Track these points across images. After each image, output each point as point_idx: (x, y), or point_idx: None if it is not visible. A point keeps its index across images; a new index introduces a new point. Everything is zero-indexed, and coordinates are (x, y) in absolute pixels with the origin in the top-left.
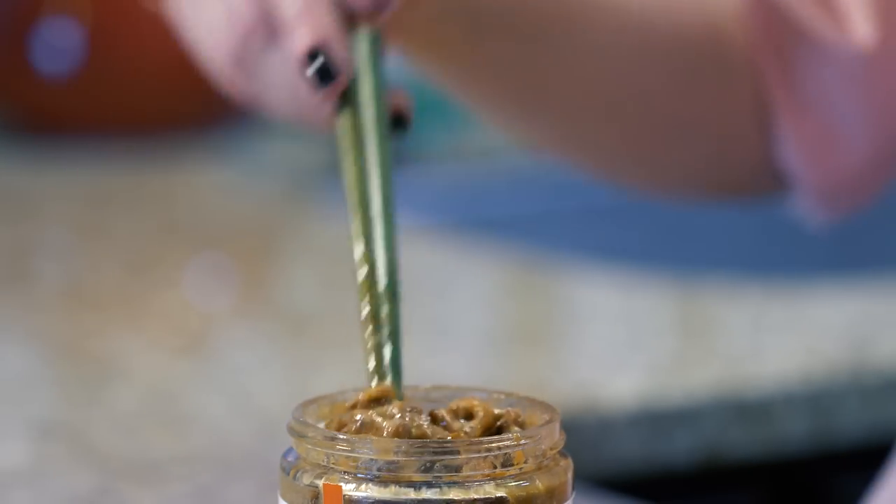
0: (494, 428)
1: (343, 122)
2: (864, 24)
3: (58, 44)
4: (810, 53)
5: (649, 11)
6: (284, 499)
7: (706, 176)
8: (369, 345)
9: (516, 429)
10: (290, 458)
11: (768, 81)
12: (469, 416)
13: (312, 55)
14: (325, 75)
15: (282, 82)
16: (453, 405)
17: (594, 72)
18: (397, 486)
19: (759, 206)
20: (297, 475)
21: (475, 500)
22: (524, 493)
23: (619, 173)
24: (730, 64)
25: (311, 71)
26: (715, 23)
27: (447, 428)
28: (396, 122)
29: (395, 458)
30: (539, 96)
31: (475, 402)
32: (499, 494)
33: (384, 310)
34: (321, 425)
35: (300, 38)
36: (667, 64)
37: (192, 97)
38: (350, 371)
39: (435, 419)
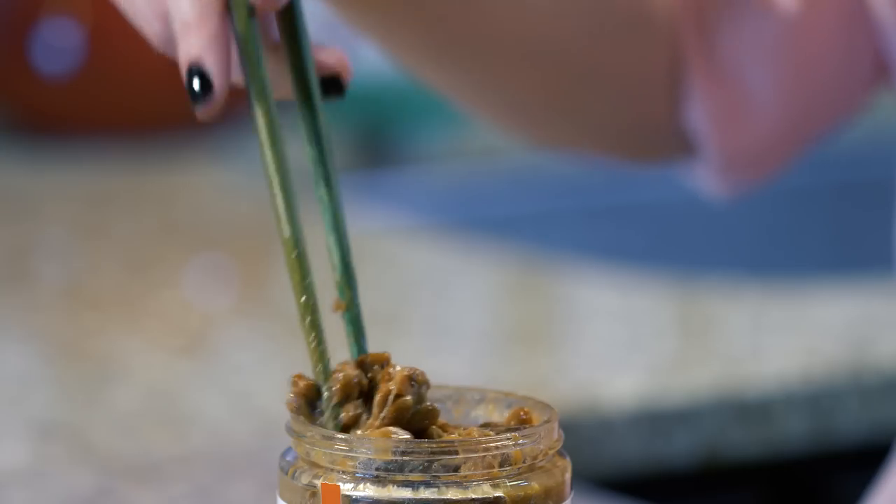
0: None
1: (258, 109)
2: None
3: (58, 44)
4: (731, 18)
5: None
6: (283, 498)
7: (617, 133)
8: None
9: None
10: (289, 458)
11: (686, 42)
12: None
13: (190, 72)
14: (200, 91)
15: None
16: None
17: (511, 19)
18: (395, 486)
19: (663, 169)
20: (296, 475)
21: (473, 499)
22: (521, 494)
23: (532, 125)
24: (648, 20)
25: (188, 87)
26: None
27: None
28: (329, 86)
29: (393, 458)
30: (456, 44)
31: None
32: (496, 494)
33: (345, 295)
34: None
35: (182, 54)
36: (583, 15)
37: None
38: None
39: None
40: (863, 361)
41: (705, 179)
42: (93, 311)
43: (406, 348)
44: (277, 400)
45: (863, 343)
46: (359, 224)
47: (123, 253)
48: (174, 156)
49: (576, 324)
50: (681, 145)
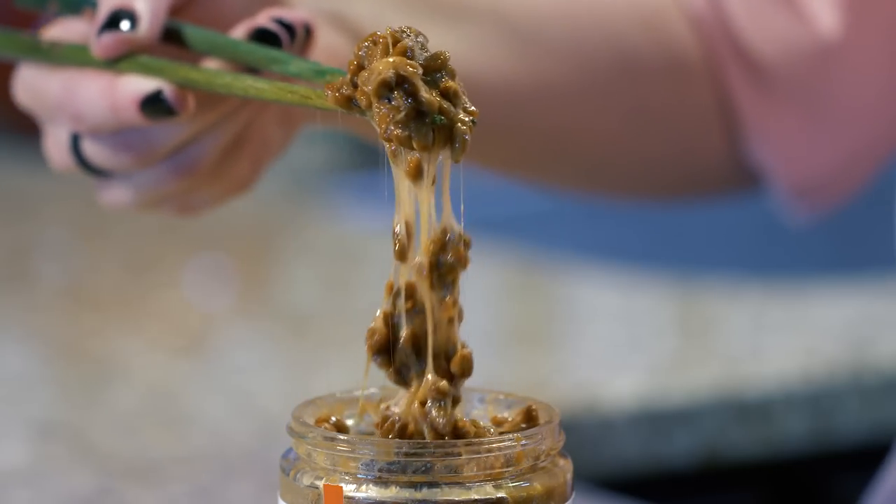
0: None
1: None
2: (828, 16)
3: None
4: (774, 51)
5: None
6: (284, 499)
7: (674, 173)
8: None
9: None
10: (290, 459)
11: (731, 82)
12: None
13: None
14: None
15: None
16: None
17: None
18: (398, 487)
19: (735, 202)
20: (297, 476)
21: (475, 500)
22: (524, 494)
23: (587, 179)
24: (681, 61)
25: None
26: (658, 28)
27: None
28: (264, 40)
29: (395, 459)
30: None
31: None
32: (499, 495)
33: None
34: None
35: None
36: (608, 62)
37: None
38: (350, 371)
39: None
40: (863, 361)
41: (781, 205)
42: (93, 311)
43: None
44: (278, 400)
45: (863, 343)
46: (358, 224)
47: (123, 253)
48: None
49: (576, 324)
50: (746, 178)
